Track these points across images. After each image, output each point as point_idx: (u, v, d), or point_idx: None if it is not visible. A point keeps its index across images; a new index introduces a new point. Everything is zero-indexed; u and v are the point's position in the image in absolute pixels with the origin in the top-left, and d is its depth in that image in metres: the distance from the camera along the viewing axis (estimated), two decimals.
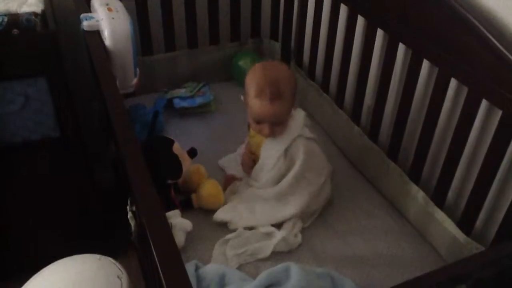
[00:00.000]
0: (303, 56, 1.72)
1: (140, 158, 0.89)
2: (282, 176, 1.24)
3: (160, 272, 0.68)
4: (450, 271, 0.80)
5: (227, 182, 1.35)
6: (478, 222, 1.14)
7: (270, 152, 1.26)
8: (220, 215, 1.24)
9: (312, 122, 1.62)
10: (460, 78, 1.09)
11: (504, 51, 0.95)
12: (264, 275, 1.05)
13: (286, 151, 1.24)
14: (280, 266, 1.07)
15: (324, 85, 1.60)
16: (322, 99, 1.59)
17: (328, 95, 1.58)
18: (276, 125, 1.20)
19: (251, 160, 1.33)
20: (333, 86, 1.57)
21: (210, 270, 1.09)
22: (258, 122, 1.21)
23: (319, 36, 1.58)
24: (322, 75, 1.61)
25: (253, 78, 1.19)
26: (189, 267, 1.08)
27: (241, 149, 1.44)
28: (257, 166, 1.30)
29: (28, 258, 1.28)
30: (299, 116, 1.27)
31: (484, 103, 1.05)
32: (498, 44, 0.96)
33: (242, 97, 1.26)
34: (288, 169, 1.24)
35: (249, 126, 1.33)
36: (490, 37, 0.97)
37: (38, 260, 1.00)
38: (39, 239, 1.47)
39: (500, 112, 1.01)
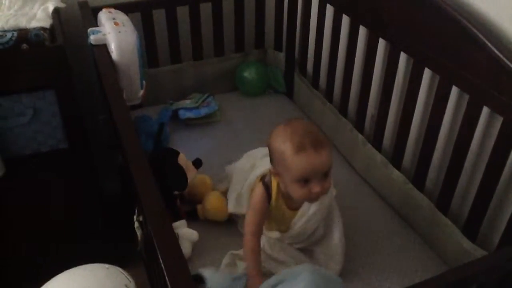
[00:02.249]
0: (307, 65, 1.73)
1: (146, 169, 0.91)
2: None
3: (168, 281, 0.70)
4: (454, 275, 0.81)
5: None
6: (483, 228, 1.14)
7: (312, 218, 1.13)
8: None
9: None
10: (461, 86, 1.10)
11: (503, 58, 0.97)
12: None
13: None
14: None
15: (328, 94, 1.61)
16: (326, 107, 1.60)
17: (332, 103, 1.60)
18: (326, 177, 1.03)
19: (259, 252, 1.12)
20: (337, 95, 1.59)
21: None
22: (306, 180, 1.02)
23: (322, 46, 1.60)
24: (325, 84, 1.63)
25: (283, 137, 1.03)
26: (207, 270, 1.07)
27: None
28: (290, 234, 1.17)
29: (36, 267, 1.29)
30: None
31: (485, 110, 1.07)
32: (497, 52, 0.98)
33: (271, 170, 1.10)
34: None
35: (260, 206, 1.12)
36: (490, 45, 0.99)
37: (46, 269, 1.02)
38: (48, 250, 1.49)
39: (501, 119, 1.02)
